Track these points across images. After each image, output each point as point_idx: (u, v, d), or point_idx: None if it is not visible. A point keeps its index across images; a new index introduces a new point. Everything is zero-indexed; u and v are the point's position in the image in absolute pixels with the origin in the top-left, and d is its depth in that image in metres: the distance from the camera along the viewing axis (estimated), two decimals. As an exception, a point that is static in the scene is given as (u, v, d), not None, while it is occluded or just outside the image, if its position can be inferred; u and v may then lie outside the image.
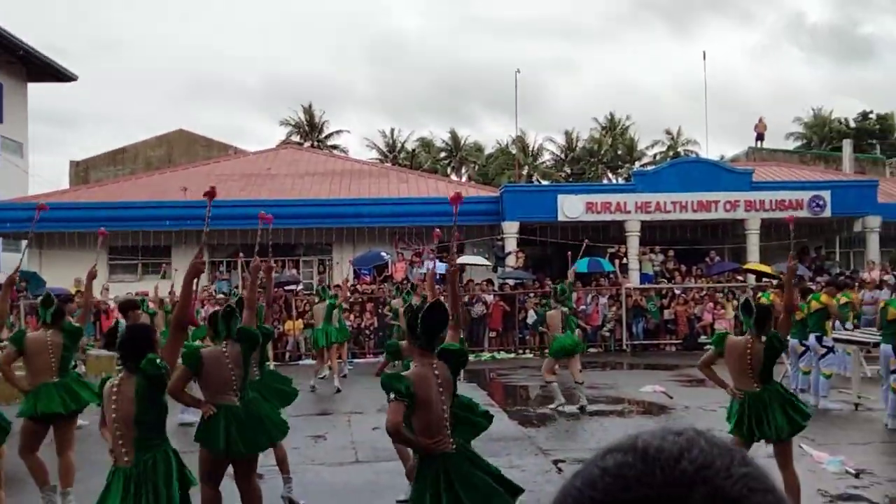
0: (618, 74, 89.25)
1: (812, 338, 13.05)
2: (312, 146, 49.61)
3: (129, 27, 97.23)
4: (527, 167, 54.89)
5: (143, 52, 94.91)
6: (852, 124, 53.24)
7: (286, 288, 23.35)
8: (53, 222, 25.31)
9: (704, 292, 23.12)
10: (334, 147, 53.24)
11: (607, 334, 22.92)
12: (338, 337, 16.35)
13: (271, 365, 12.53)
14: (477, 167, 57.27)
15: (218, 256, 26.80)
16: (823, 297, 13.09)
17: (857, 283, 18.83)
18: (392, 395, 4.43)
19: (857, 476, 8.37)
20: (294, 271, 26.21)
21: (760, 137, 41.37)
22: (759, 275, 23.47)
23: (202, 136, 41.87)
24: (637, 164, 54.03)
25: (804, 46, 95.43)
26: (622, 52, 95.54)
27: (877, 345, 11.72)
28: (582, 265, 23.58)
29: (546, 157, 58.13)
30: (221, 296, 20.49)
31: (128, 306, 10.30)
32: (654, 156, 55.98)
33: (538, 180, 55.20)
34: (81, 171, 40.57)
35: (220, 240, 26.25)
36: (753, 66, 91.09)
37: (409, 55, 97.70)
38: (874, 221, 25.44)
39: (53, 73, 35.87)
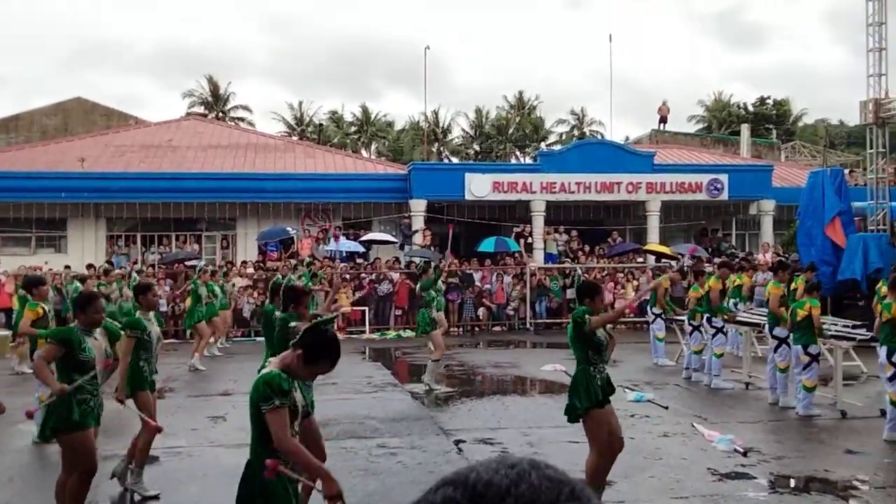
0: (521, 52, 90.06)
1: (704, 318, 13.50)
2: (217, 118, 48.49)
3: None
4: (437, 144, 54.92)
5: (21, 11, 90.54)
6: (751, 109, 54.98)
7: (187, 263, 22.81)
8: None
9: (606, 272, 23.59)
10: (240, 119, 52.17)
11: (511, 313, 23.20)
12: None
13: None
14: (387, 143, 57.00)
15: (116, 230, 26.00)
16: (712, 281, 13.53)
17: (749, 266, 19.49)
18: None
19: (745, 454, 8.68)
20: (195, 246, 25.63)
21: (663, 120, 42.35)
22: (659, 255, 24.08)
23: (101, 105, 40.43)
24: (543, 143, 54.64)
25: (697, 31, 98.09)
26: (525, 29, 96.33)
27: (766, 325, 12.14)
28: (488, 244, 23.84)
29: (455, 133, 58.32)
30: (119, 271, 19.86)
31: (33, 282, 9.83)
32: (561, 135, 56.72)
33: (448, 157, 55.32)
34: (-29, 139, 38.71)
35: (118, 213, 25.49)
36: (651, 48, 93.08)
37: (307, 26, 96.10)
38: (769, 205, 26.36)
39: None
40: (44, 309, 9.56)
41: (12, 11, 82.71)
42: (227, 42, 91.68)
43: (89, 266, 21.04)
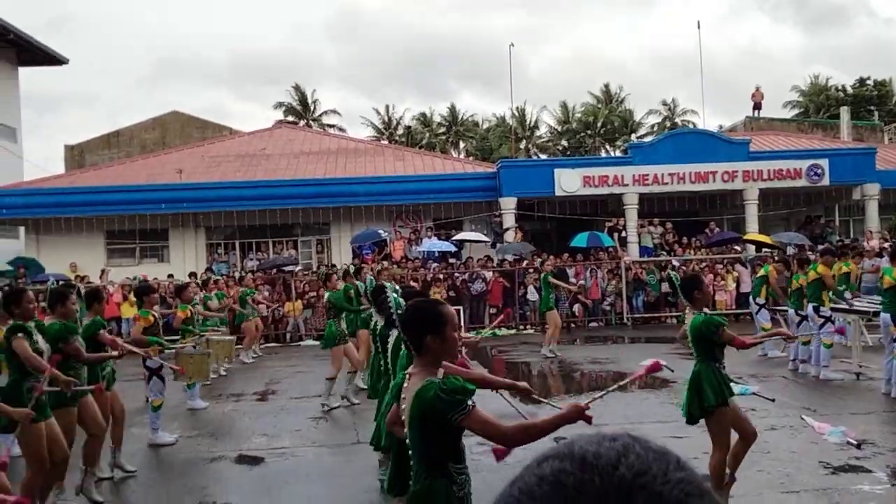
0: (598, 46, 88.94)
1: (810, 308, 13.03)
2: (307, 125, 49.39)
3: (82, 4, 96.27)
4: (524, 141, 54.71)
5: (98, 33, 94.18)
6: (850, 91, 53.00)
7: (285, 269, 23.28)
8: (50, 207, 25.32)
9: (704, 264, 23.07)
10: (329, 126, 53.01)
11: (607, 308, 22.91)
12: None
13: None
14: (474, 142, 57.07)
15: (215, 238, 26.75)
16: (820, 268, 13.05)
17: (856, 253, 18.75)
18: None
19: (858, 447, 8.32)
20: (292, 252, 26.16)
21: (758, 107, 41.20)
22: (759, 245, 23.42)
23: (196, 117, 41.67)
24: (634, 135, 53.84)
25: (776, 16, 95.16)
26: (596, 22, 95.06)
27: (877, 314, 11.68)
28: (581, 239, 23.57)
29: (543, 129, 57.98)
30: (220, 278, 20.42)
31: (144, 291, 10.20)
32: (652, 126, 55.80)
33: (536, 154, 55.06)
34: (76, 155, 40.39)
35: (216, 222, 26.19)
36: (725, 33, 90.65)
37: (375, 28, 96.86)
38: (873, 189, 25.36)
39: (44, 57, 35.62)
40: (154, 316, 9.87)
41: (95, 34, 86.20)
42: (298, 50, 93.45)
43: (191, 274, 21.66)
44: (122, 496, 7.97)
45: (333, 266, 22.55)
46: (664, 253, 24.51)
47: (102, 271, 24.03)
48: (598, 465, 0.84)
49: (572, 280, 22.35)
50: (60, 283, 11.81)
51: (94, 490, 7.68)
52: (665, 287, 22.48)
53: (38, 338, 6.79)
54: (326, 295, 12.91)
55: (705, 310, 6.90)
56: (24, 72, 36.14)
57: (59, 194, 25.69)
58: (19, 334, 6.56)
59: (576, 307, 22.77)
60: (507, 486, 0.89)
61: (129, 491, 8.12)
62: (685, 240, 25.12)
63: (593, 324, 22.65)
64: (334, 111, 55.82)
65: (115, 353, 8.14)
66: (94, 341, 8.01)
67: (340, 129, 51.51)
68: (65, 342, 7.24)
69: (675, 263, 22.62)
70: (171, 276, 22.92)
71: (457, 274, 23.21)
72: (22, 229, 27.49)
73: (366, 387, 11.16)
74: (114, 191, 25.45)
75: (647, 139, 43.31)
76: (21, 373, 6.58)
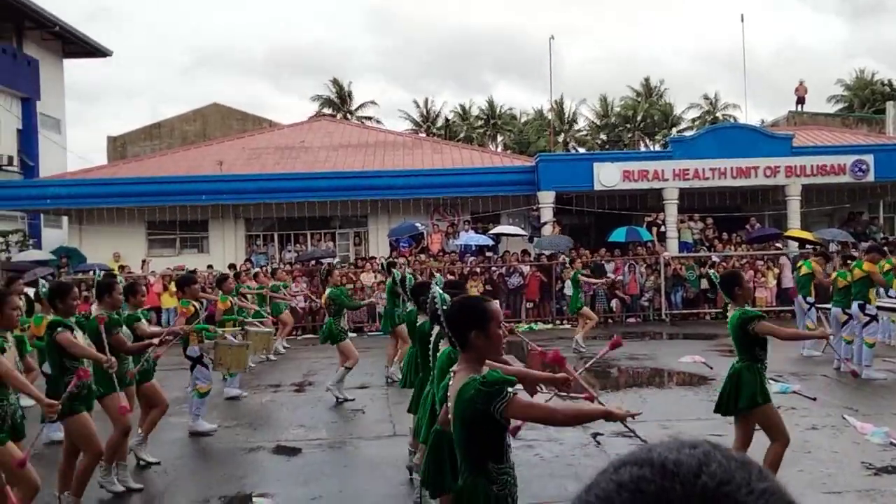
0: (638, 39, 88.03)
1: (855, 306, 12.81)
2: (344, 117, 49.58)
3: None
4: (562, 134, 54.44)
5: (138, 24, 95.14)
6: (896, 85, 52.01)
7: (323, 261, 23.40)
8: (93, 198, 25.67)
9: (745, 260, 22.80)
10: (366, 118, 53.16)
11: (646, 304, 22.74)
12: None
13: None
14: (513, 135, 56.90)
15: (254, 230, 26.97)
16: (866, 265, 12.82)
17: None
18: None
19: (902, 448, 8.19)
20: (330, 244, 26.29)
21: (801, 101, 40.59)
22: (802, 242, 23.09)
23: (236, 109, 42.01)
24: (674, 129, 53.33)
25: (819, 7, 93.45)
26: (636, 15, 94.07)
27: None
28: (619, 234, 23.39)
29: (581, 123, 57.64)
30: (258, 269, 20.58)
31: (185, 281, 10.34)
32: (693, 121, 55.22)
33: (574, 147, 54.79)
34: (119, 147, 40.94)
35: (255, 213, 26.39)
36: (767, 26, 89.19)
37: (409, 21, 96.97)
38: (919, 185, 24.87)
39: (89, 49, 36.13)
40: (195, 306, 9.98)
41: (136, 26, 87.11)
42: (335, 42, 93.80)
43: (231, 266, 21.85)
44: (161, 484, 8.07)
45: (336, 263, 22.66)
46: (704, 249, 24.26)
47: (143, 261, 24.35)
48: (680, 472, 0.82)
49: (609, 276, 22.20)
50: (104, 273, 11.98)
51: (130, 479, 7.80)
52: (705, 283, 22.27)
53: (79, 333, 6.89)
54: (327, 291, 12.75)
55: (746, 306, 6.84)
56: (69, 63, 36.72)
57: (101, 185, 26.07)
58: (60, 329, 6.66)
59: (613, 302, 22.63)
60: (582, 492, 0.87)
61: (167, 479, 8.22)
62: (725, 235, 24.84)
63: (631, 319, 22.49)
64: (373, 102, 56.02)
65: (156, 342, 8.29)
66: (133, 333, 8.16)
67: (377, 122, 51.66)
68: (108, 333, 7.35)
69: (715, 259, 22.38)
70: (210, 266, 23.14)
71: (494, 268, 23.16)
72: (66, 219, 27.91)
73: (397, 379, 11.22)
74: (155, 182, 25.73)
75: (688, 133, 42.88)
76: (61, 369, 6.69)
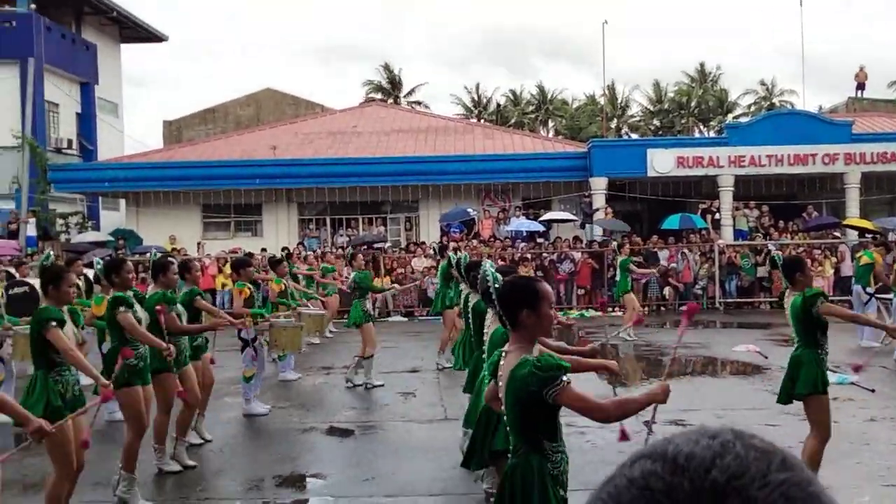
0: (692, 22, 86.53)
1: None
2: (395, 102, 49.67)
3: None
4: (615, 120, 53.90)
5: (192, 8, 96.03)
6: (962, 71, 50.52)
7: (374, 246, 23.51)
8: (149, 181, 26.14)
9: (801, 249, 22.38)
10: (416, 103, 53.18)
11: (699, 292, 22.45)
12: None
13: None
14: (564, 121, 56.49)
15: (307, 214, 27.20)
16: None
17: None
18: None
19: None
20: (381, 229, 26.41)
21: (861, 87, 39.66)
22: (861, 231, 22.59)
23: (289, 94, 42.34)
24: (729, 116, 52.47)
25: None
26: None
27: None
28: (673, 221, 23.12)
29: (634, 109, 56.97)
30: (309, 253, 20.78)
31: (240, 264, 10.51)
32: (749, 107, 54.25)
33: (627, 134, 54.22)
34: (174, 131, 41.56)
35: (308, 198, 26.62)
36: (826, 10, 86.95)
37: (456, 6, 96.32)
38: (983, 173, 24.16)
39: (145, 34, 36.69)
40: (250, 289, 10.11)
41: (190, 9, 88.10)
42: (385, 27, 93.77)
43: (284, 249, 22.07)
44: (216, 463, 8.21)
45: (388, 247, 22.78)
46: (759, 237, 23.86)
47: (198, 244, 24.73)
48: (690, 467, 0.79)
49: (662, 264, 21.98)
50: (159, 254, 12.19)
51: (186, 455, 7.94)
52: (760, 272, 21.92)
53: (138, 307, 7.04)
54: (352, 275, 12.87)
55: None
56: (126, 48, 37.33)
57: (157, 168, 26.52)
58: (121, 308, 6.79)
59: (666, 290, 22.40)
60: (601, 485, 0.85)
61: (222, 458, 8.35)
62: (781, 224, 24.40)
63: (684, 307, 22.20)
64: (424, 84, 56.00)
65: (210, 325, 8.45)
66: (191, 309, 8.30)
67: (426, 107, 51.66)
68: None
69: (771, 248, 22.00)
70: (264, 249, 23.40)
71: (545, 254, 23.06)
72: (123, 202, 28.44)
73: (449, 365, 11.26)
74: (210, 165, 26.10)
75: (744, 120, 42.16)
76: (122, 342, 6.82)
